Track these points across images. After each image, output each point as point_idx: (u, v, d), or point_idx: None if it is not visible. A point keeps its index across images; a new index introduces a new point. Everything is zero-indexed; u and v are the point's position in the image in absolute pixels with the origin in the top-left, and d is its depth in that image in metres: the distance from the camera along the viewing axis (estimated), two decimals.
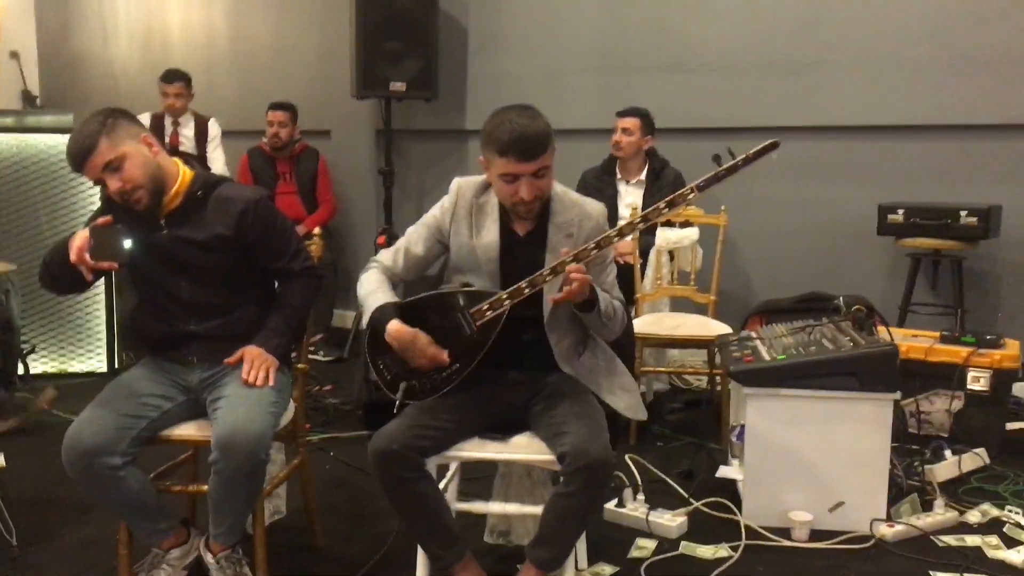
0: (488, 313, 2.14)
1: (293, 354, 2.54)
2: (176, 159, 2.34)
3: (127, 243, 2.17)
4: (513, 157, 2.05)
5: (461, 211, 2.25)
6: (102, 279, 4.30)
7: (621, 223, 2.15)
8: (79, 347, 4.57)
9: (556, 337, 2.22)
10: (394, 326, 2.14)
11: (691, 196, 2.10)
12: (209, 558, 2.24)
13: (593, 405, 2.18)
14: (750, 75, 4.53)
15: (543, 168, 2.10)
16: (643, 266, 3.97)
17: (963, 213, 3.84)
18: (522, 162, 2.06)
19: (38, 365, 4.50)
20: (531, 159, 2.06)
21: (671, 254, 3.99)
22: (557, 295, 2.05)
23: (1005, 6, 4.07)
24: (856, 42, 4.34)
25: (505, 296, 2.13)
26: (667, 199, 2.13)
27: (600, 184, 4.24)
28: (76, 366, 4.57)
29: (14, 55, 6.54)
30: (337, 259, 5.37)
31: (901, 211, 3.99)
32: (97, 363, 4.58)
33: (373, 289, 2.24)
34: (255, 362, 2.24)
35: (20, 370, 4.36)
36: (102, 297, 4.53)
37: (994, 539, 2.70)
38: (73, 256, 2.10)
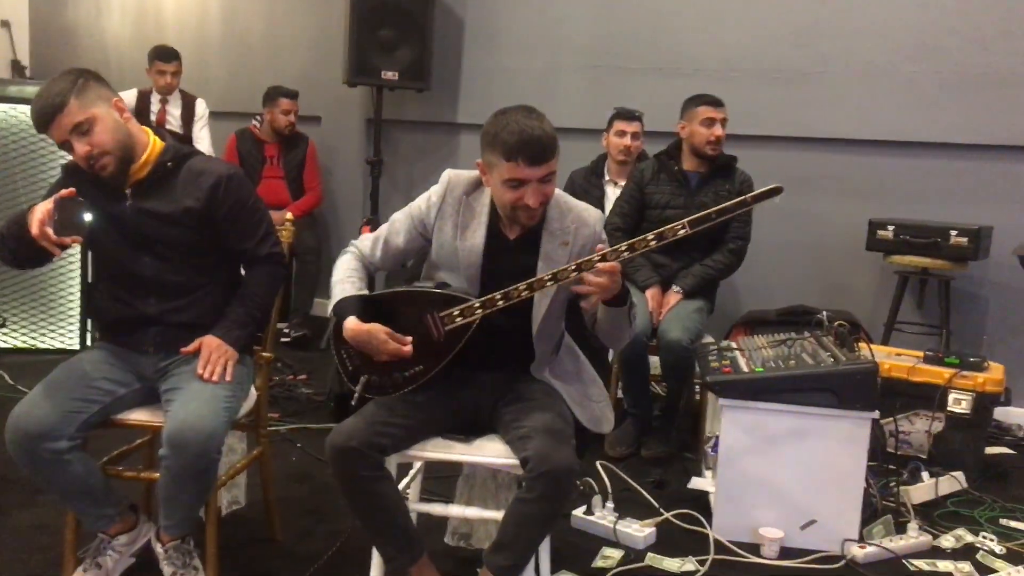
0: (458, 319, 2.06)
1: (257, 345, 2.47)
2: (146, 128, 2.24)
3: (88, 216, 2.06)
4: (523, 162, 1.95)
5: (448, 207, 2.16)
6: (76, 253, 4.32)
7: (606, 248, 1.98)
8: (51, 323, 4.48)
9: (542, 348, 2.15)
10: (350, 323, 2.06)
11: (681, 232, 1.98)
12: (159, 548, 2.17)
13: (561, 411, 2.11)
14: (745, 82, 4.48)
15: (550, 173, 2.00)
16: None
17: (953, 233, 3.79)
18: (531, 167, 1.96)
19: (8, 339, 4.42)
20: (540, 164, 1.96)
21: None
22: (581, 287, 1.94)
23: (1004, 28, 4.03)
24: (853, 55, 4.29)
25: (478, 305, 2.04)
26: (655, 232, 1.99)
27: (588, 186, 4.17)
28: (47, 342, 4.47)
29: (5, 24, 6.47)
30: (321, 247, 5.29)
31: (891, 228, 3.94)
32: (69, 340, 4.48)
33: (342, 278, 2.17)
34: (213, 355, 2.16)
35: None
36: (77, 272, 4.44)
37: (967, 566, 2.65)
38: (35, 230, 1.98)
